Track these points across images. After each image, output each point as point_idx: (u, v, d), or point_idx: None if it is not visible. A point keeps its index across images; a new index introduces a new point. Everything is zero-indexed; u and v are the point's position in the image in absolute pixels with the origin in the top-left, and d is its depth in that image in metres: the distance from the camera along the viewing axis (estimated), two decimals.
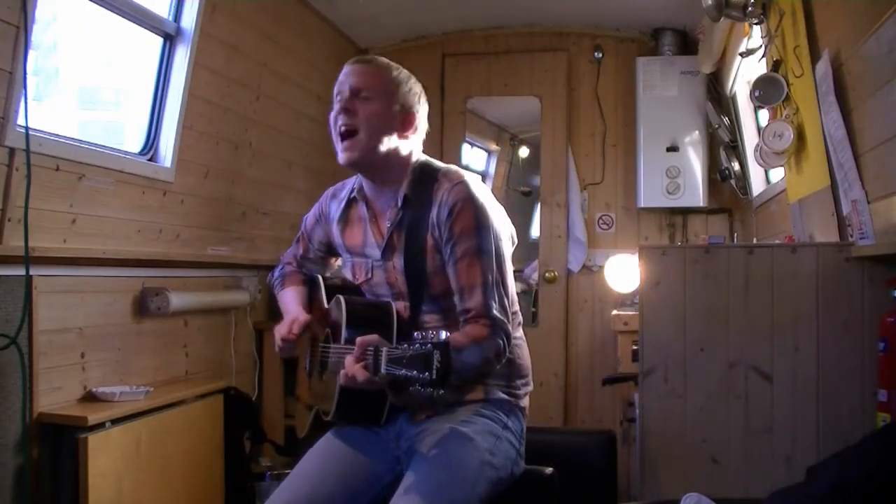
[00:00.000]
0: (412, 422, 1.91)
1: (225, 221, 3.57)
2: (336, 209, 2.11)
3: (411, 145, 1.98)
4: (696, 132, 4.33)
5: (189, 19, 3.05)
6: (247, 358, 3.87)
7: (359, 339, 1.68)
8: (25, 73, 2.31)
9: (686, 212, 4.54)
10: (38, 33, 2.54)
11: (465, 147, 4.90)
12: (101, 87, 3.60)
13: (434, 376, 1.50)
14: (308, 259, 2.23)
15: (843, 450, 1.75)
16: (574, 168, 4.66)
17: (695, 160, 4.34)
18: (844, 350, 2.35)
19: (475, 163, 5.29)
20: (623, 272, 4.31)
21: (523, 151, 5.36)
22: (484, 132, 5.28)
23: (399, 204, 1.95)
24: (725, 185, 4.35)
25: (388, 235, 1.97)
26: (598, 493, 2.26)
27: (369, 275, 2.02)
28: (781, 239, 3.06)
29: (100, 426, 2.60)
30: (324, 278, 2.16)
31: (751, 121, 3.95)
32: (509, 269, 1.96)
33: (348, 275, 2.10)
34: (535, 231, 4.81)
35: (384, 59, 1.99)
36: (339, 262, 2.20)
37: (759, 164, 3.13)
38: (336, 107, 1.93)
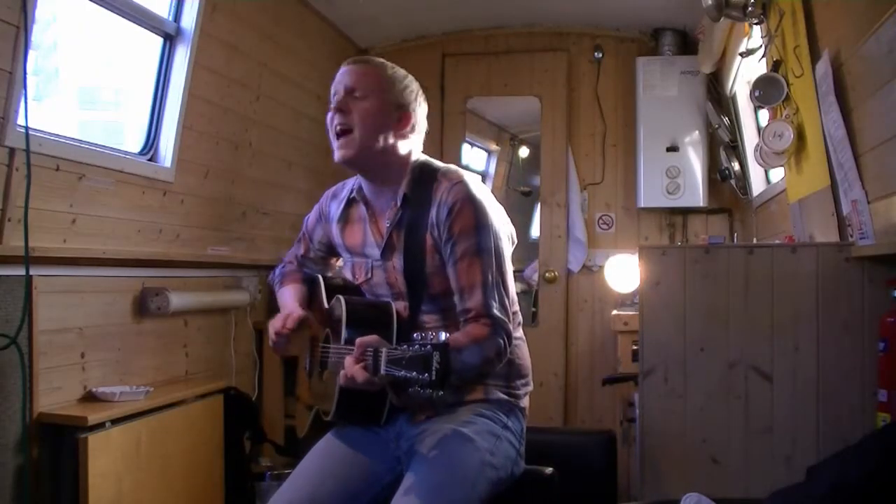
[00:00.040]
0: (412, 422, 1.91)
1: (225, 221, 3.58)
2: (336, 209, 2.11)
3: (410, 145, 1.98)
4: (696, 132, 4.33)
5: (189, 19, 3.05)
6: (247, 358, 3.87)
7: (358, 340, 1.68)
8: (25, 73, 2.31)
9: (686, 212, 4.54)
10: (38, 33, 2.54)
11: (465, 147, 4.90)
12: (101, 87, 3.60)
13: (433, 377, 1.50)
14: (309, 259, 2.23)
15: (843, 450, 1.75)
16: (574, 168, 4.66)
17: (695, 160, 4.34)
18: (844, 350, 2.35)
19: (475, 163, 5.29)
20: (623, 272, 4.32)
21: (523, 151, 5.36)
22: (484, 132, 5.28)
23: (398, 203, 1.95)
24: (725, 185, 4.35)
25: (387, 235, 1.97)
26: (598, 493, 2.26)
27: (369, 275, 2.02)
28: (781, 239, 3.06)
29: (100, 426, 2.60)
30: (326, 278, 2.17)
31: (751, 121, 3.95)
32: (509, 268, 1.96)
33: (348, 275, 2.10)
34: (535, 231, 4.81)
35: (379, 59, 2.00)
36: (340, 262, 2.20)
37: (759, 164, 3.13)
38: (331, 107, 1.94)
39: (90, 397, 2.79)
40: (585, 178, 4.67)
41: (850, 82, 2.29)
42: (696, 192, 4.34)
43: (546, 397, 4.48)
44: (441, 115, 4.64)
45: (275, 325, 2.00)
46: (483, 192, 1.93)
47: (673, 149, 4.34)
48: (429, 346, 1.53)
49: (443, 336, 1.56)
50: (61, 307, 2.69)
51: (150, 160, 3.05)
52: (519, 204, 5.07)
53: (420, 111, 1.99)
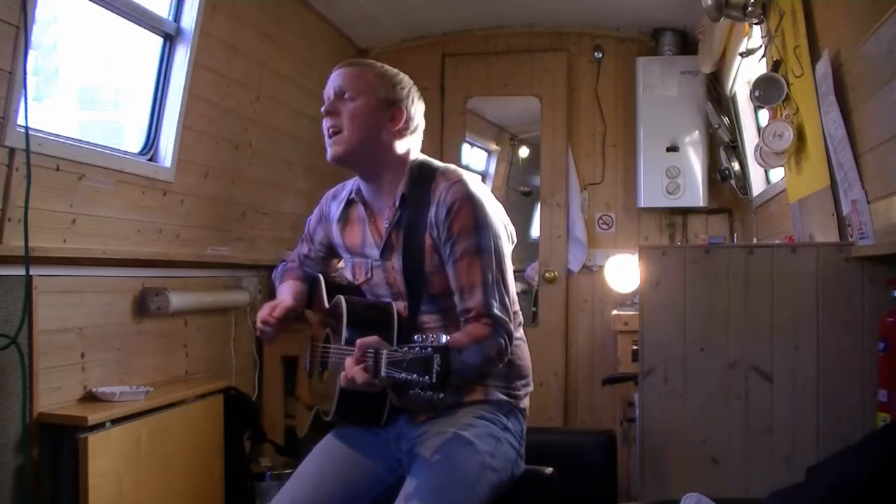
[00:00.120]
0: (412, 423, 1.91)
1: (225, 221, 3.58)
2: (336, 209, 2.11)
3: (408, 144, 1.98)
4: (696, 132, 4.33)
5: (189, 19, 3.05)
6: (247, 358, 3.87)
7: (359, 341, 1.68)
8: (25, 73, 2.31)
9: (686, 212, 4.54)
10: (38, 33, 2.54)
11: (465, 147, 4.90)
12: (101, 87, 3.60)
13: (434, 380, 1.50)
14: (310, 258, 2.23)
15: (843, 450, 1.75)
16: (574, 168, 4.66)
17: (695, 160, 4.34)
18: (844, 350, 2.35)
19: (475, 163, 5.29)
20: (623, 272, 4.31)
21: (523, 151, 5.36)
22: (484, 132, 5.28)
23: (397, 203, 1.95)
24: (725, 185, 4.35)
25: (386, 235, 1.97)
26: (598, 493, 2.26)
27: (369, 275, 2.02)
28: (781, 239, 3.06)
29: (100, 426, 2.60)
30: (328, 277, 2.17)
31: (751, 121, 3.95)
32: (509, 267, 1.96)
33: (349, 275, 2.10)
34: (535, 231, 4.81)
35: (369, 60, 2.01)
36: (341, 262, 2.21)
37: (759, 164, 3.13)
38: (322, 111, 1.96)
39: (90, 397, 2.79)
40: (585, 178, 4.67)
41: (850, 82, 2.29)
42: (696, 192, 4.34)
43: (546, 397, 4.48)
44: (441, 115, 4.65)
45: (261, 314, 2.00)
46: (482, 191, 1.93)
47: (673, 149, 4.34)
48: (429, 349, 1.53)
49: (444, 339, 1.55)
50: (61, 307, 2.69)
51: (150, 160, 3.05)
52: (519, 204, 5.07)
53: (415, 109, 1.99)
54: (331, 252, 2.19)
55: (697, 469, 2.44)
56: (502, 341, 1.85)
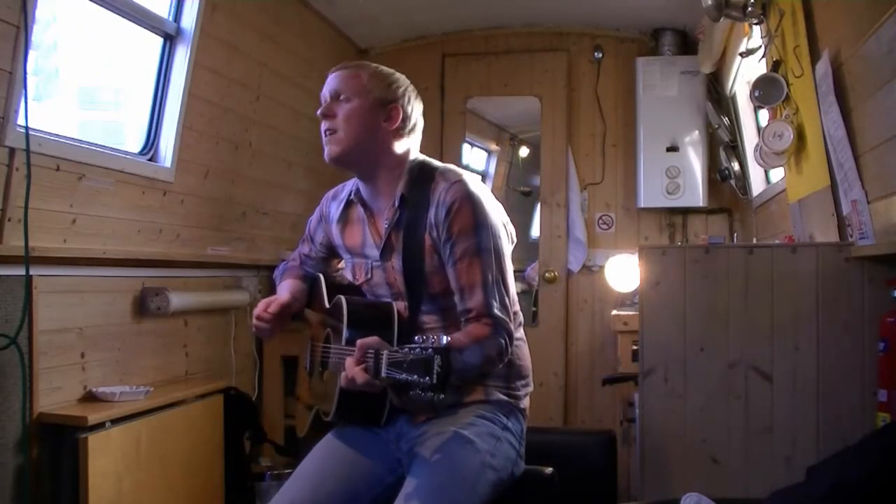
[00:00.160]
0: (412, 423, 1.91)
1: (225, 221, 3.58)
2: (336, 210, 2.11)
3: (406, 144, 1.98)
4: (696, 132, 4.33)
5: (189, 19, 3.05)
6: (247, 358, 3.87)
7: (359, 342, 1.68)
8: (25, 73, 2.31)
9: (686, 212, 4.54)
10: (38, 33, 2.54)
11: (465, 147, 4.90)
12: (101, 87, 3.60)
13: (434, 381, 1.51)
14: (311, 258, 2.23)
15: (843, 450, 1.75)
16: (574, 168, 4.66)
17: (695, 160, 4.34)
18: (844, 350, 2.36)
19: (475, 163, 5.29)
20: (623, 272, 4.31)
21: (523, 151, 5.36)
22: (484, 132, 5.28)
23: (396, 204, 1.95)
24: (725, 185, 4.35)
25: (385, 236, 1.97)
26: (598, 493, 2.26)
27: (369, 275, 2.02)
28: (781, 239, 3.06)
29: (100, 426, 2.60)
30: (329, 277, 2.17)
31: (751, 121, 3.95)
32: (509, 267, 1.95)
33: (349, 275, 2.10)
34: (535, 231, 4.81)
35: (364, 62, 2.02)
36: (342, 262, 2.21)
37: (759, 164, 3.13)
38: (318, 114, 1.96)
39: (90, 397, 2.79)
40: (585, 178, 4.67)
41: (850, 82, 2.29)
42: (695, 192, 4.34)
43: (546, 397, 4.48)
44: (441, 115, 4.65)
45: (257, 310, 2.01)
46: (482, 191, 1.92)
47: (673, 149, 4.34)
48: (430, 350, 1.53)
49: (444, 339, 1.55)
50: (61, 307, 2.69)
51: (150, 160, 3.05)
52: (519, 204, 5.07)
53: (412, 108, 1.99)
54: (331, 252, 2.20)
55: (697, 469, 2.44)
56: (503, 341, 1.85)
